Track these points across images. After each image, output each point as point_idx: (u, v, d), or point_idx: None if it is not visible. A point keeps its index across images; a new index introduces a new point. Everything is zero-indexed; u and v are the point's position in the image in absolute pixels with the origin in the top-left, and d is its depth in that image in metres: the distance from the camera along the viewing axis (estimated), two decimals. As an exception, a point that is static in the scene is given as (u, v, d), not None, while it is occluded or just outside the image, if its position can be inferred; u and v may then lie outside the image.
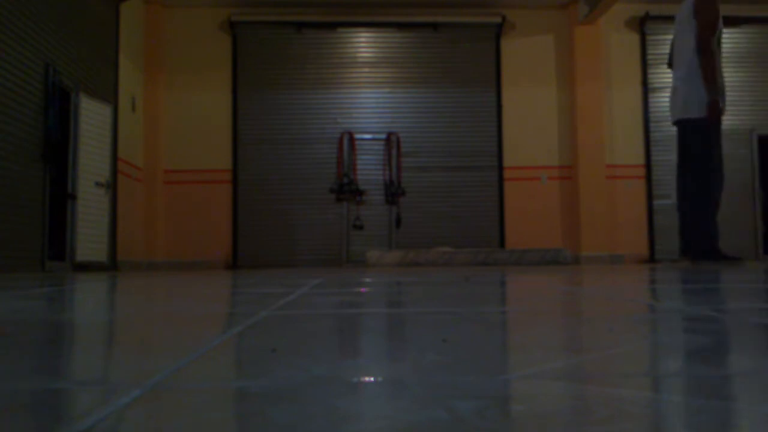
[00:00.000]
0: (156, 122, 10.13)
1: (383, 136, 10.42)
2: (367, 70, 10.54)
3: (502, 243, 10.31)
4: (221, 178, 10.26)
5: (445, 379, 0.78)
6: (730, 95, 10.59)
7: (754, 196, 10.44)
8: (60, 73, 7.23)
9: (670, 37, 11.17)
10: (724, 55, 10.40)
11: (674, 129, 5.78)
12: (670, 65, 5.70)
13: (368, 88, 10.50)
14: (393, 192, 10.31)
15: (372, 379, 0.80)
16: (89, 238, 7.85)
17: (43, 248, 6.89)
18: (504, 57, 10.53)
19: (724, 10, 5.83)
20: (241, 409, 0.67)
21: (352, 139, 10.39)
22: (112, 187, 8.49)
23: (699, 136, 5.02)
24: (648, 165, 10.45)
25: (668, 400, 0.69)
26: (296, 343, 1.13)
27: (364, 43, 10.61)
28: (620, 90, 10.51)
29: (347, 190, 10.28)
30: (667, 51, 10.94)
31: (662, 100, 10.54)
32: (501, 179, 10.43)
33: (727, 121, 10.38)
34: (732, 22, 10.51)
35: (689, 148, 5.03)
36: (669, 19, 10.53)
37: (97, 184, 8.07)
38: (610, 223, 10.31)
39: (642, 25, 10.55)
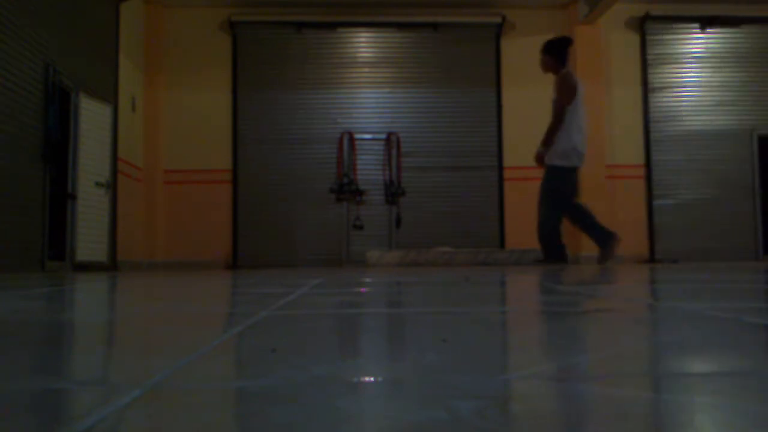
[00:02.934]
0: (156, 122, 10.13)
1: (383, 136, 10.42)
2: (367, 70, 10.54)
3: (502, 243, 10.30)
4: (221, 178, 10.26)
5: (445, 379, 0.78)
6: (731, 95, 10.66)
7: (754, 196, 10.43)
8: (60, 73, 7.22)
9: (671, 37, 11.19)
10: (724, 54, 10.52)
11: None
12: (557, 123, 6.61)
13: (368, 88, 10.50)
14: (393, 192, 10.30)
15: (372, 379, 0.80)
16: (89, 238, 7.85)
17: (43, 248, 6.89)
18: (504, 57, 10.52)
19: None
20: (241, 409, 0.67)
21: (352, 139, 10.39)
22: (112, 187, 8.49)
23: None
24: (648, 165, 10.45)
25: (668, 399, 0.69)
26: (296, 343, 1.13)
27: (364, 43, 10.61)
28: (620, 90, 10.50)
29: (347, 190, 10.27)
30: (667, 51, 10.97)
31: (662, 100, 10.56)
32: (501, 179, 10.43)
33: (727, 121, 10.49)
34: (732, 22, 10.52)
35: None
36: (669, 19, 10.59)
37: (97, 184, 8.07)
38: (610, 223, 10.23)
39: (642, 25, 10.55)
